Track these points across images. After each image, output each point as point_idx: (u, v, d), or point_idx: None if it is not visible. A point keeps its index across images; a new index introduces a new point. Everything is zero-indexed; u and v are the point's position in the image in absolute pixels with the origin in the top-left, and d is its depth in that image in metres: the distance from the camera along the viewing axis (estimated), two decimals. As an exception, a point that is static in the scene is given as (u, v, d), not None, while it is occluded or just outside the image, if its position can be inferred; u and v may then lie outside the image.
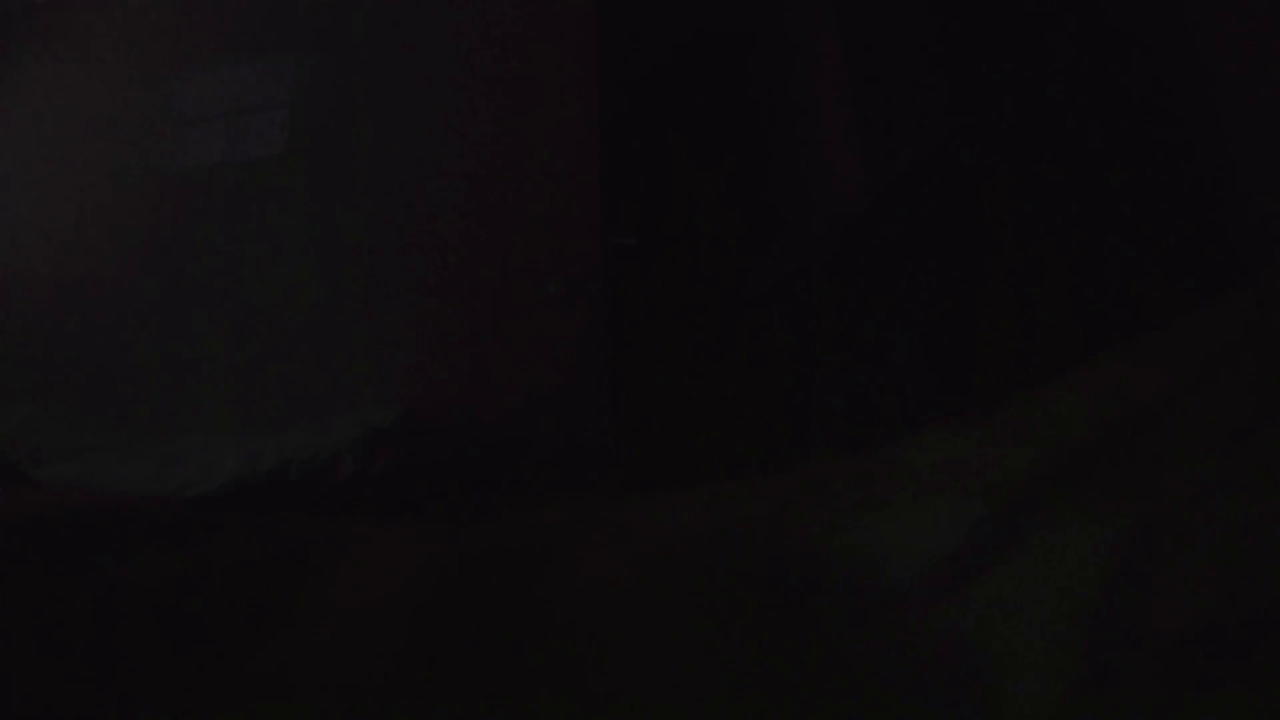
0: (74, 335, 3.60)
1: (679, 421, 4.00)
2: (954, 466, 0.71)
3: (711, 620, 0.60)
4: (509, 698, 0.53)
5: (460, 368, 3.28)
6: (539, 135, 3.57)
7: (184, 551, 0.63)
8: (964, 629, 0.55)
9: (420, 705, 0.52)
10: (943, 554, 0.62)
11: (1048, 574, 0.55)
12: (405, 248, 3.51)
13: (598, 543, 0.73)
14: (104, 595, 0.54)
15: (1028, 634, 0.52)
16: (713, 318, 3.83)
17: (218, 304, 3.56)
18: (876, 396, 2.46)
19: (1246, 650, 0.43)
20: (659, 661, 0.56)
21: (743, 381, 3.39)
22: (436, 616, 0.61)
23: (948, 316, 2.29)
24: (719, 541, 0.71)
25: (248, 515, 0.79)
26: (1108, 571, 0.53)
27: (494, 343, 3.30)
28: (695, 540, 0.72)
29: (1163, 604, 0.49)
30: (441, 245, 3.49)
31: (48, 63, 4.20)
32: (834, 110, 3.40)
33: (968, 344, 2.20)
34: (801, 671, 0.54)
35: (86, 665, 0.48)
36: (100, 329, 3.60)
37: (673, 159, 4.58)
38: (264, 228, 3.65)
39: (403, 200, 3.58)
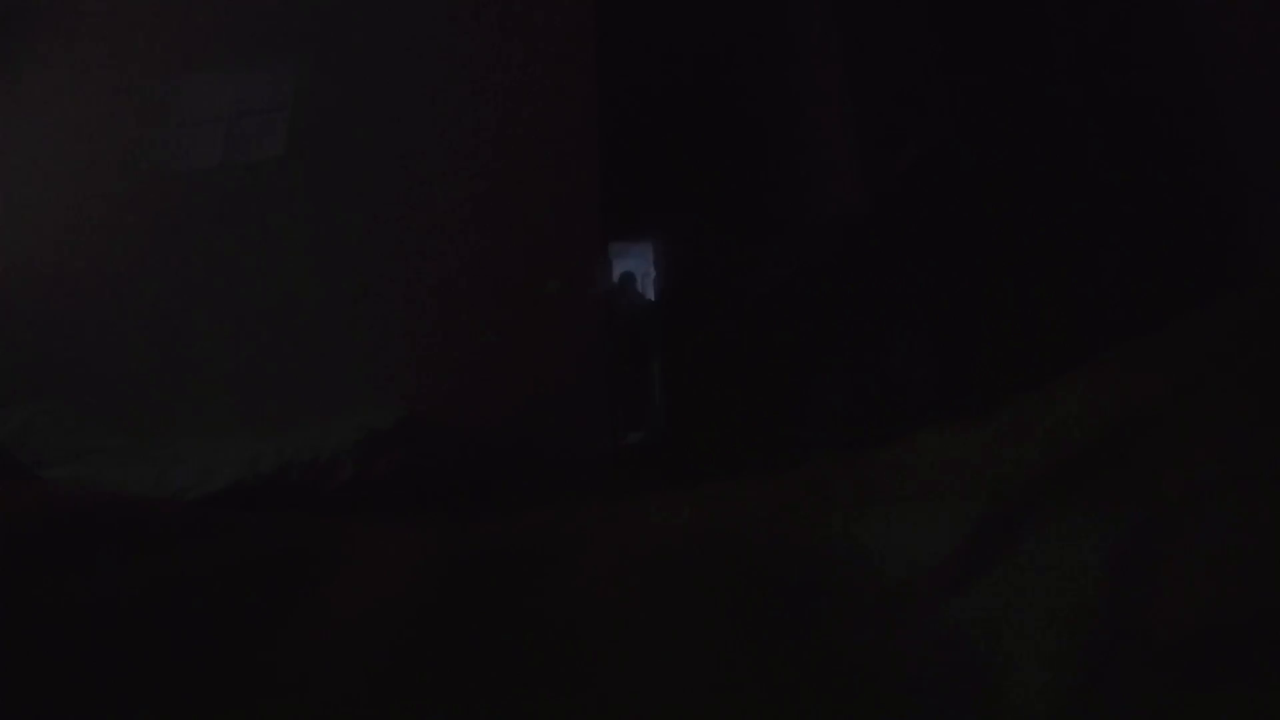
0: (74, 337, 3.60)
1: (681, 421, 4.00)
2: (954, 466, 0.70)
3: (711, 620, 0.60)
4: (509, 698, 0.53)
5: (460, 369, 3.28)
6: (539, 136, 3.57)
7: (185, 551, 0.63)
8: (964, 629, 0.55)
9: (420, 705, 0.52)
10: (943, 554, 0.61)
11: (1048, 574, 0.55)
12: (405, 249, 3.51)
13: (597, 543, 0.73)
14: (105, 594, 0.54)
15: (1028, 634, 0.52)
16: (714, 318, 3.83)
17: (218, 306, 3.56)
18: (877, 396, 2.46)
19: (1246, 650, 0.43)
20: (659, 662, 0.55)
21: (743, 381, 3.39)
22: (436, 617, 0.61)
23: (948, 316, 2.28)
24: (719, 541, 0.70)
25: (248, 515, 0.79)
26: (1108, 571, 0.53)
27: (494, 343, 3.30)
28: (695, 540, 0.72)
29: (1163, 604, 0.48)
30: (441, 246, 3.49)
31: (48, 63, 4.20)
32: (834, 111, 3.40)
33: (968, 344, 2.20)
34: (801, 672, 0.54)
35: (87, 665, 0.48)
36: (100, 331, 3.60)
37: (673, 159, 4.58)
38: (264, 230, 3.65)
39: (402, 202, 3.58)
